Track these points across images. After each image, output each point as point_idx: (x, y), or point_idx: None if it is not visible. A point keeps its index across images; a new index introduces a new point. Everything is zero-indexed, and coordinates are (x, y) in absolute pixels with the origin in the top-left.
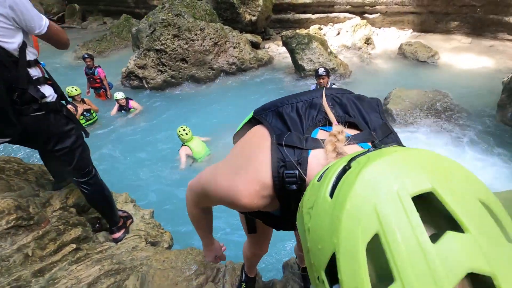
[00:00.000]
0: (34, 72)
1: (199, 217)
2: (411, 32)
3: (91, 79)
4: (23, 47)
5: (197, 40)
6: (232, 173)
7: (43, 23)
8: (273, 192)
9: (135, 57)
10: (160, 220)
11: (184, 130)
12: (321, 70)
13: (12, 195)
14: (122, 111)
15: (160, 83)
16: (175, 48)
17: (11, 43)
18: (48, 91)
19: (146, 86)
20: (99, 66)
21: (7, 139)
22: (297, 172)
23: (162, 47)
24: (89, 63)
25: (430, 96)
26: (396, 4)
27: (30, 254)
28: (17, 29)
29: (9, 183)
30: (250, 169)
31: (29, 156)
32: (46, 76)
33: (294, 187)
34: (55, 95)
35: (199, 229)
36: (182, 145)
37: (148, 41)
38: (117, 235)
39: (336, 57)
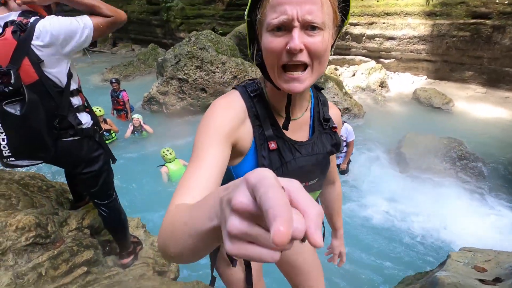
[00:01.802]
0: (75, 101)
1: (181, 210)
2: (426, 79)
3: (115, 101)
4: (68, 78)
5: (218, 72)
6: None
7: (85, 33)
8: (243, 102)
9: (158, 83)
10: None
11: (168, 151)
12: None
13: (34, 212)
14: (135, 133)
15: (178, 109)
16: (196, 78)
17: (58, 73)
18: (85, 119)
19: (165, 111)
20: (124, 90)
21: (40, 162)
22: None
23: (184, 76)
24: (115, 87)
25: (444, 142)
26: (411, 52)
27: (43, 274)
28: (62, 56)
29: (32, 200)
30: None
31: (52, 172)
32: (86, 104)
33: (256, 89)
34: (91, 122)
35: (190, 237)
36: (163, 165)
37: (172, 70)
38: (126, 260)
39: (351, 97)
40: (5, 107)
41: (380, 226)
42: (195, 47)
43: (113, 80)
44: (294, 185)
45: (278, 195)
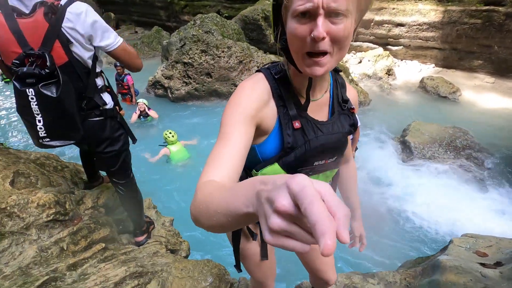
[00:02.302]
0: (99, 82)
1: (210, 191)
2: (433, 67)
3: (120, 85)
4: (94, 59)
5: (224, 57)
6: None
7: (114, 41)
8: (267, 84)
9: (163, 67)
10: (179, 229)
11: (170, 133)
12: None
13: (52, 190)
14: (141, 117)
15: (183, 94)
16: (201, 62)
17: (85, 55)
18: (107, 99)
19: (170, 95)
20: (129, 74)
21: (72, 142)
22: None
23: (189, 60)
24: (119, 70)
25: (449, 132)
26: (419, 39)
27: (65, 248)
28: (89, 44)
29: (50, 179)
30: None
31: (61, 154)
32: (107, 84)
33: (281, 71)
34: (112, 103)
35: (228, 198)
36: (165, 146)
37: (177, 54)
38: (140, 238)
39: (357, 84)
40: (41, 89)
41: (382, 212)
42: (200, 31)
43: (117, 64)
44: (325, 188)
45: (322, 209)
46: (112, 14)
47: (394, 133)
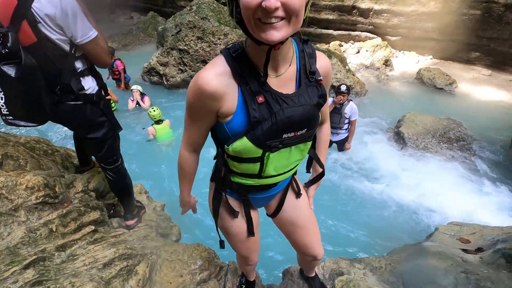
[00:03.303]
0: (79, 65)
1: (189, 161)
2: (431, 58)
3: (111, 70)
4: (72, 43)
5: (220, 44)
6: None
7: (87, 35)
8: (227, 66)
9: (158, 54)
10: (171, 213)
11: (152, 109)
12: (343, 88)
13: (41, 174)
14: (137, 105)
15: (179, 81)
16: (197, 49)
17: (58, 37)
18: (88, 84)
19: (166, 83)
20: (118, 59)
21: (36, 124)
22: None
23: (185, 47)
24: None
25: (443, 123)
26: (418, 29)
27: (54, 230)
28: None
29: (39, 162)
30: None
31: (55, 138)
32: (91, 68)
33: (238, 49)
34: (96, 87)
35: (184, 177)
36: (152, 125)
37: (173, 40)
38: (130, 222)
39: (353, 75)
40: (2, 68)
41: (374, 200)
42: (196, 17)
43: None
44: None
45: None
46: None
47: (389, 123)
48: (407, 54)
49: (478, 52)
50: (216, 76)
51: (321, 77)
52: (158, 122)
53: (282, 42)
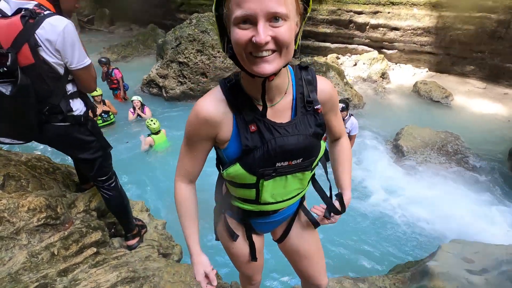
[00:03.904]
0: (70, 87)
1: (186, 196)
2: (427, 71)
3: (109, 80)
4: (67, 67)
5: (219, 57)
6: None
7: (82, 62)
8: (223, 95)
9: (158, 66)
10: (172, 232)
11: (152, 121)
12: (340, 105)
13: (43, 194)
14: (138, 117)
15: (178, 93)
16: (197, 62)
17: (54, 61)
18: (76, 105)
19: (165, 95)
20: (116, 68)
21: (21, 142)
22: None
23: (185, 60)
24: (103, 68)
25: (441, 136)
26: (414, 43)
27: (56, 253)
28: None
29: (41, 182)
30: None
31: (55, 154)
32: (81, 91)
33: (233, 80)
34: (84, 109)
35: (186, 216)
36: (148, 135)
37: (173, 53)
38: (131, 242)
39: (351, 87)
40: None
41: (373, 215)
42: (196, 30)
43: (103, 60)
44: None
45: (202, 277)
46: (107, 10)
47: (387, 136)
48: (404, 67)
49: (473, 65)
50: (213, 104)
51: (319, 106)
52: (157, 132)
53: (275, 74)
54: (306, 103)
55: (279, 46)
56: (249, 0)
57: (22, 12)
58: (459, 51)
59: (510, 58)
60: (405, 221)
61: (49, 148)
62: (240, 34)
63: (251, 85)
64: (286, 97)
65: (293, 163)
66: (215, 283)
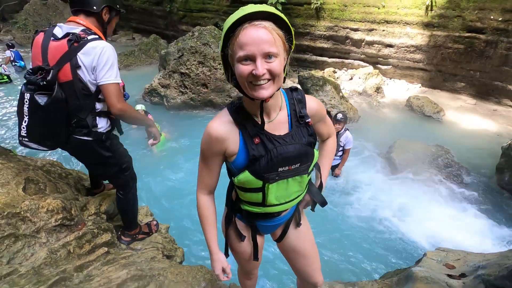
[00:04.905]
0: (99, 106)
1: (206, 205)
2: (420, 87)
3: None
4: (98, 86)
5: (220, 69)
6: None
7: (109, 78)
8: (229, 116)
9: (160, 76)
10: (174, 236)
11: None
12: (339, 116)
13: (60, 197)
14: None
15: (179, 103)
16: (198, 73)
17: (88, 79)
18: (102, 123)
19: (166, 104)
20: None
21: (45, 148)
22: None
23: (186, 71)
24: None
25: (432, 150)
26: (407, 60)
27: (72, 251)
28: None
29: (56, 186)
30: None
31: (66, 161)
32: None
33: (237, 104)
34: (108, 128)
35: (206, 223)
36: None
37: (175, 64)
38: (124, 238)
39: (347, 101)
40: (35, 96)
41: (366, 224)
42: (198, 42)
43: None
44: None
45: (220, 271)
46: None
47: (380, 149)
48: (397, 82)
49: (463, 82)
50: (221, 124)
51: (309, 119)
52: None
53: (270, 97)
54: (298, 117)
55: (272, 76)
56: (249, 44)
57: (69, 36)
58: (450, 68)
59: (498, 76)
60: (396, 231)
61: (57, 155)
62: (243, 68)
63: (251, 106)
64: (281, 113)
65: (292, 167)
66: (230, 276)
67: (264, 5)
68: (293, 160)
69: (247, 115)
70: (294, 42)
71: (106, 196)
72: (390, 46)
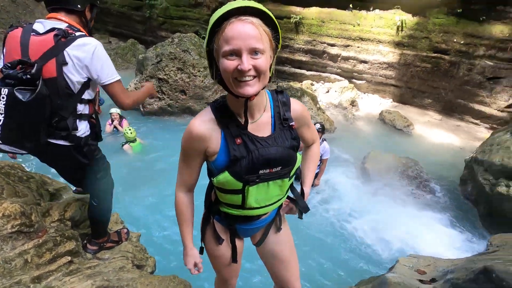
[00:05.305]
0: (81, 108)
1: (184, 202)
2: (391, 102)
3: None
4: (84, 87)
5: (199, 76)
6: None
7: (112, 77)
8: (212, 115)
9: (137, 81)
10: (146, 244)
11: (129, 130)
12: (317, 126)
13: (18, 201)
14: (115, 129)
15: (156, 109)
16: (177, 79)
17: (74, 78)
18: (82, 127)
19: (142, 109)
20: None
21: (23, 152)
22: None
23: (165, 76)
24: None
25: (403, 162)
26: (380, 76)
27: (29, 260)
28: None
29: (15, 189)
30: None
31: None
32: (92, 116)
33: (220, 102)
34: (87, 133)
35: (183, 219)
36: (126, 143)
37: (153, 69)
38: (91, 247)
39: (323, 112)
40: (15, 91)
41: (341, 233)
42: (178, 49)
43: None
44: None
45: (192, 265)
46: None
47: (355, 159)
48: (371, 96)
49: (430, 99)
50: (203, 122)
51: (293, 123)
52: (133, 141)
53: (255, 94)
54: (282, 120)
55: (258, 73)
56: (236, 38)
57: (56, 31)
58: (419, 85)
59: (461, 95)
60: (370, 239)
61: (21, 158)
62: (229, 63)
63: (235, 104)
64: (265, 115)
65: (273, 170)
66: (201, 270)
67: (252, 1)
68: (274, 163)
69: (230, 114)
70: (280, 41)
71: (72, 201)
72: (365, 62)
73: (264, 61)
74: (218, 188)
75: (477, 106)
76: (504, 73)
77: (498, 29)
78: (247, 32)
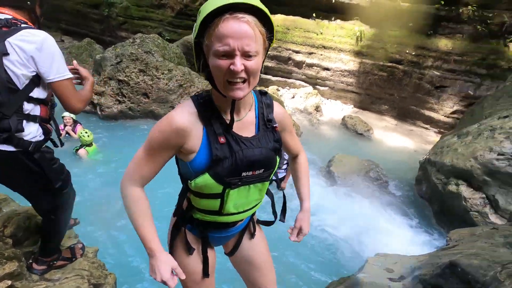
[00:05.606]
0: (29, 107)
1: (141, 197)
2: (352, 107)
3: None
4: (31, 83)
5: (163, 79)
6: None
7: (61, 74)
8: (195, 109)
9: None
10: (105, 260)
11: (86, 133)
12: None
13: None
14: (67, 135)
15: (115, 112)
16: (139, 82)
17: (18, 72)
18: (30, 129)
19: (99, 113)
20: None
21: None
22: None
23: (125, 78)
24: None
25: (365, 164)
26: (342, 83)
27: None
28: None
29: None
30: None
31: None
32: (46, 119)
33: (204, 96)
34: (40, 138)
35: (144, 220)
36: (82, 147)
37: (112, 70)
38: (37, 267)
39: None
40: None
41: (309, 235)
42: (139, 50)
43: None
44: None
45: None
46: None
47: (320, 163)
48: (334, 102)
49: (387, 105)
50: (185, 115)
51: (276, 124)
52: (89, 144)
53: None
54: (266, 121)
55: (248, 75)
56: (230, 37)
57: None
58: (376, 92)
59: (413, 102)
60: (337, 239)
61: None
62: (221, 63)
63: (222, 101)
64: (250, 114)
65: (256, 173)
66: (183, 276)
67: None
68: (258, 165)
69: (214, 110)
70: (274, 40)
71: (13, 215)
72: (327, 69)
73: (256, 63)
74: (194, 192)
75: (427, 112)
76: (449, 82)
77: (443, 43)
78: (243, 32)
